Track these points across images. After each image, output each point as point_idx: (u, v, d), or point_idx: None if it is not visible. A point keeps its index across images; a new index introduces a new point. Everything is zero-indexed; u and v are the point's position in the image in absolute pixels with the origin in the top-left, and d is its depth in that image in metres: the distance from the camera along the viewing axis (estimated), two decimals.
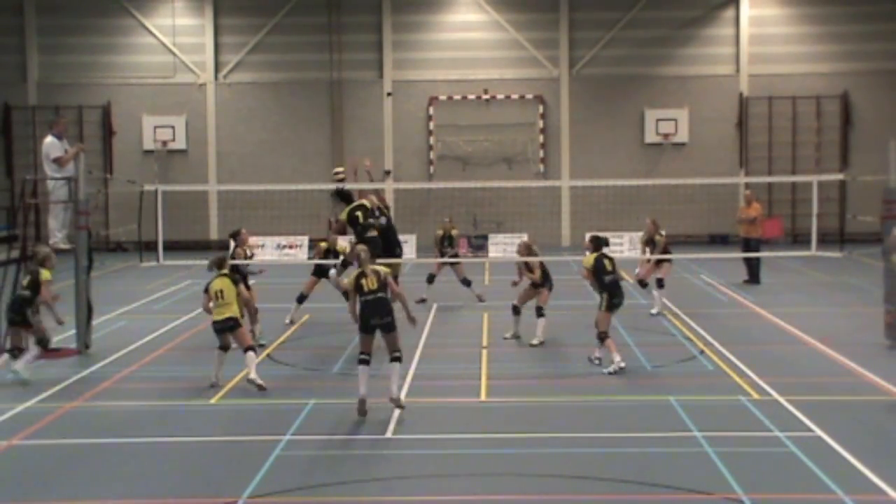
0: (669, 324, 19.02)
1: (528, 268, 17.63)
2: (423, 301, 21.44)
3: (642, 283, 20.78)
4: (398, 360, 12.73)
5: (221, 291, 14.49)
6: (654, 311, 20.01)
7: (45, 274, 15.38)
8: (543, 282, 17.54)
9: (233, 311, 14.46)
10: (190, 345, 17.38)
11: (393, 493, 9.79)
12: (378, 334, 12.76)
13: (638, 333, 17.80)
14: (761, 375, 14.29)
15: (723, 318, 19.67)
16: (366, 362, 12.66)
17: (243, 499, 9.59)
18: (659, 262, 20.25)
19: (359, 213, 17.30)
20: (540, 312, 17.29)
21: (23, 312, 15.24)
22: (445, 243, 22.70)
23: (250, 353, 14.32)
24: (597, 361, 15.31)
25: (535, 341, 17.05)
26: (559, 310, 19.68)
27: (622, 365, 14.81)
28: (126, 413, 13.01)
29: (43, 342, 15.17)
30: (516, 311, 17.78)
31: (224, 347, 14.50)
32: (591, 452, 10.91)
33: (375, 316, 12.70)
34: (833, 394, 13.38)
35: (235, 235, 18.22)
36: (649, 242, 20.51)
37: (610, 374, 14.71)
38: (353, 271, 13.33)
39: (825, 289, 23.74)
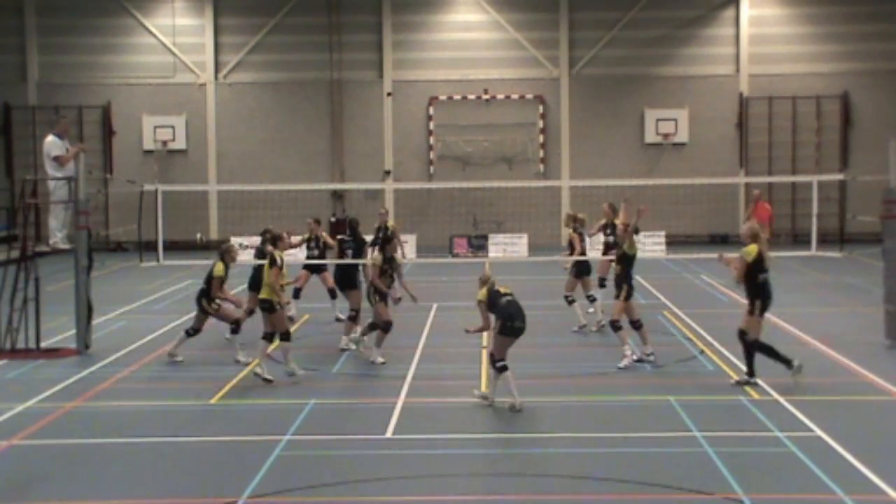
0: (669, 324, 19.01)
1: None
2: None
3: (601, 283, 19.24)
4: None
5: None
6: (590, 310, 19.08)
7: (217, 269, 15.85)
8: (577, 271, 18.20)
9: (266, 293, 14.54)
10: (190, 345, 17.34)
11: (393, 493, 9.79)
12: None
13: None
14: (761, 375, 14.28)
15: (723, 318, 19.66)
16: (506, 367, 12.88)
17: (243, 499, 9.59)
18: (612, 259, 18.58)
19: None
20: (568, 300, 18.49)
21: (200, 302, 16.00)
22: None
23: (285, 343, 14.52)
24: (651, 357, 15.43)
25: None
26: (558, 309, 19.66)
27: (634, 358, 15.09)
28: (126, 413, 13.01)
29: (188, 332, 16.01)
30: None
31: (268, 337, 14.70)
32: (591, 452, 10.91)
33: (519, 318, 12.98)
34: (833, 394, 13.39)
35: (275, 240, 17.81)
36: (607, 227, 18.76)
37: (620, 369, 14.96)
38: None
39: (825, 289, 23.73)
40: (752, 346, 13.84)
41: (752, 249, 13.72)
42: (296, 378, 14.40)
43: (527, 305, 20.76)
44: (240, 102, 37.88)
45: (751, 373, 13.85)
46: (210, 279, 15.86)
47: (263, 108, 37.92)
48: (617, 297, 15.38)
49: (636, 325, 15.44)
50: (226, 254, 15.86)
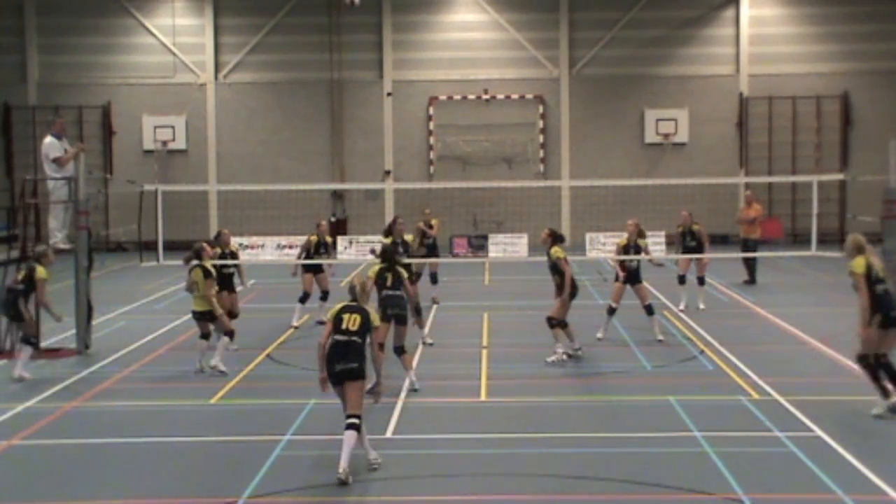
0: (669, 324, 19.01)
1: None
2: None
3: (682, 279, 20.87)
4: None
5: (196, 283, 15.18)
6: (701, 305, 20.49)
7: (40, 272, 15.37)
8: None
9: (203, 305, 15.18)
10: (190, 345, 17.32)
11: (393, 493, 9.79)
12: None
13: (638, 333, 17.79)
14: (761, 375, 14.29)
15: (723, 318, 19.67)
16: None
17: (243, 499, 9.59)
18: (699, 258, 20.57)
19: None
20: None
21: (16, 306, 15.36)
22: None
23: (224, 338, 15.14)
24: (564, 357, 15.59)
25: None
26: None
27: (564, 357, 15.31)
28: (126, 413, 13.01)
29: (28, 340, 15.27)
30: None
31: (204, 336, 15.27)
32: (591, 452, 10.91)
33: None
34: (833, 394, 13.38)
35: (217, 236, 18.05)
36: (686, 234, 20.77)
37: (549, 363, 15.21)
38: None
39: (825, 289, 23.73)
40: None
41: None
42: (222, 373, 14.86)
43: (526, 306, 20.82)
44: (240, 102, 37.88)
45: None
46: (31, 282, 15.29)
47: (263, 108, 37.92)
48: (559, 296, 15.48)
49: (562, 324, 15.56)
50: (42, 257, 15.54)
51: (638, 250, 17.48)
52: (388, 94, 37.63)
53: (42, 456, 11.09)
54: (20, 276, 15.55)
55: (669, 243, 20.72)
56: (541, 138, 37.39)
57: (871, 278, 12.03)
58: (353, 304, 10.79)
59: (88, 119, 37.71)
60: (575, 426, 12.01)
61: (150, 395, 13.95)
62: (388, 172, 37.61)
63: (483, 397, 13.59)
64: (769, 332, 18.24)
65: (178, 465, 10.76)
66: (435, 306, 21.15)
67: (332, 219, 36.30)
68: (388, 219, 36.94)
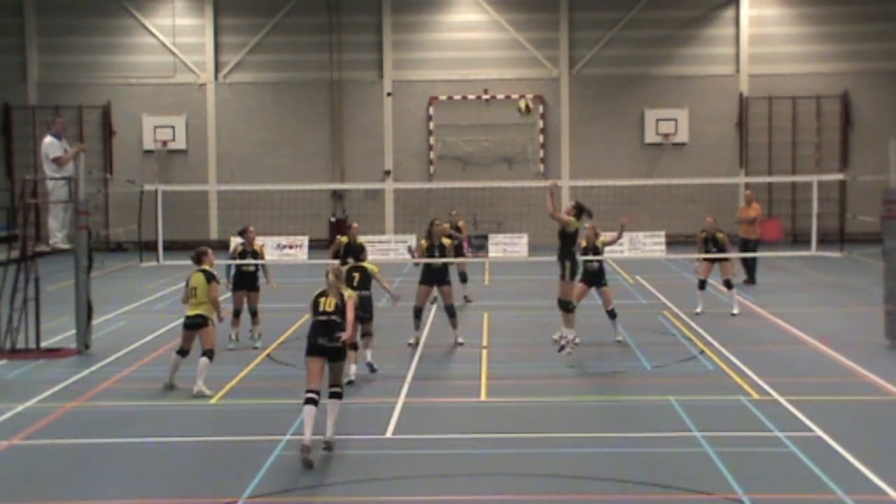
0: (669, 324, 19.01)
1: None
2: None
3: (703, 284, 20.29)
4: None
5: (195, 288, 14.21)
6: (735, 311, 19.97)
7: None
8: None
9: (203, 309, 14.11)
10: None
11: (393, 493, 9.79)
12: None
13: (638, 333, 17.80)
14: (761, 375, 14.29)
15: (723, 318, 19.67)
16: None
17: (243, 499, 9.59)
18: (722, 261, 20.12)
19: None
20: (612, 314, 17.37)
21: None
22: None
23: (203, 359, 13.87)
24: (563, 341, 15.54)
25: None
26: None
27: (576, 342, 15.35)
28: (126, 413, 13.00)
29: None
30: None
31: (182, 352, 14.19)
32: (591, 452, 10.91)
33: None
34: (833, 394, 13.39)
35: (243, 232, 17.93)
36: (709, 240, 20.08)
37: (563, 354, 15.25)
38: None
39: (825, 289, 23.73)
40: None
41: None
42: (206, 397, 13.64)
43: (526, 306, 20.82)
44: (240, 102, 37.88)
45: None
46: None
47: (263, 108, 37.92)
48: (562, 277, 15.35)
49: (569, 306, 15.50)
50: None
51: (597, 252, 17.51)
52: (388, 95, 37.63)
53: (42, 456, 11.08)
54: None
55: (688, 243, 20.53)
56: (541, 138, 37.39)
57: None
58: (326, 291, 11.42)
59: (88, 119, 37.70)
60: (575, 426, 12.01)
61: (150, 395, 13.94)
62: (388, 172, 37.61)
63: (483, 397, 13.58)
64: (769, 332, 18.24)
65: (178, 465, 10.76)
66: (435, 306, 21.14)
67: (333, 219, 36.33)
68: (389, 219, 37.40)
